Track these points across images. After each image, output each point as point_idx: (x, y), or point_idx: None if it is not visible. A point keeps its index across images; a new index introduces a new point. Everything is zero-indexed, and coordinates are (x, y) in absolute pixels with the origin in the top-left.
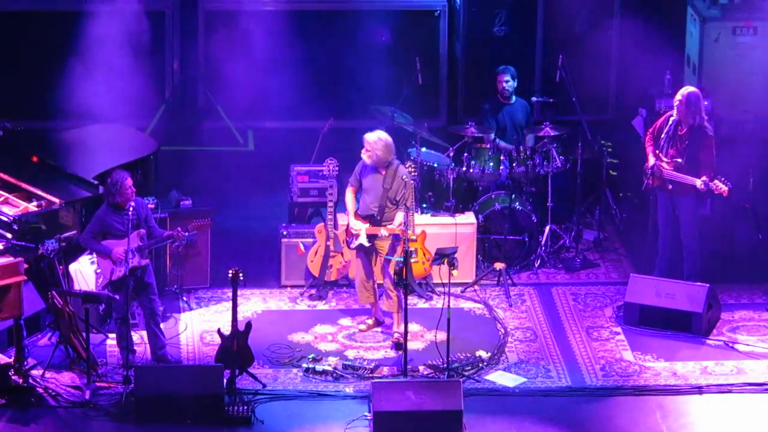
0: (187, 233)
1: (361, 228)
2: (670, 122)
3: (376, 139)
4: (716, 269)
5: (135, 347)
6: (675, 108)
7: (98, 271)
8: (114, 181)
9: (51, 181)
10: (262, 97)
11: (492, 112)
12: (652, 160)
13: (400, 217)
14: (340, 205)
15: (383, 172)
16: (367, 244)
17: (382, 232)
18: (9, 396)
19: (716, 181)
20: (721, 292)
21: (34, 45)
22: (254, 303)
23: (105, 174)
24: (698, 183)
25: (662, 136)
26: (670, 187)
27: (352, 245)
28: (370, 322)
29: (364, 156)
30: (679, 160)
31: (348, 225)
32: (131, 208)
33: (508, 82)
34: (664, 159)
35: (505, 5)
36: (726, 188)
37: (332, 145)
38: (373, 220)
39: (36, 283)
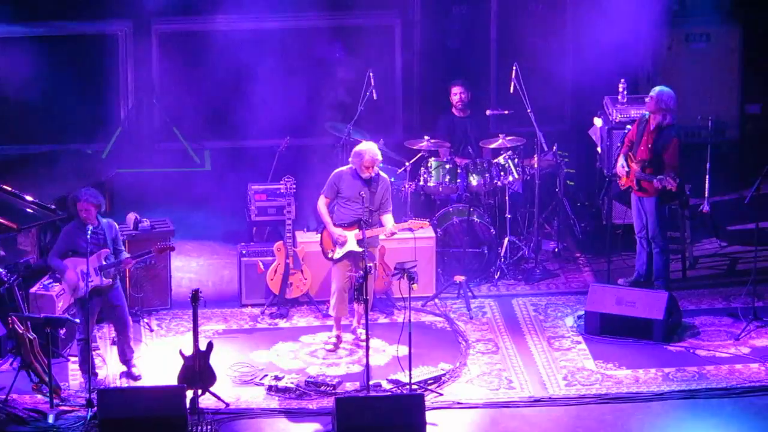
0: (134, 260)
1: (348, 235)
2: (641, 120)
3: (373, 149)
4: (676, 275)
5: (97, 370)
6: (646, 104)
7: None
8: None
9: (8, 207)
10: (217, 117)
11: (447, 125)
12: (621, 161)
13: (390, 218)
14: (297, 223)
15: (369, 178)
16: (359, 250)
17: (385, 232)
18: None
19: (668, 178)
20: (681, 297)
21: None
22: (215, 322)
23: (64, 198)
24: (654, 182)
25: (636, 138)
26: (638, 188)
27: (337, 254)
28: (334, 339)
29: (365, 171)
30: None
31: (327, 236)
32: (90, 229)
33: (462, 94)
34: (634, 160)
35: (459, 18)
36: (675, 183)
37: (289, 163)
38: (361, 225)
39: None
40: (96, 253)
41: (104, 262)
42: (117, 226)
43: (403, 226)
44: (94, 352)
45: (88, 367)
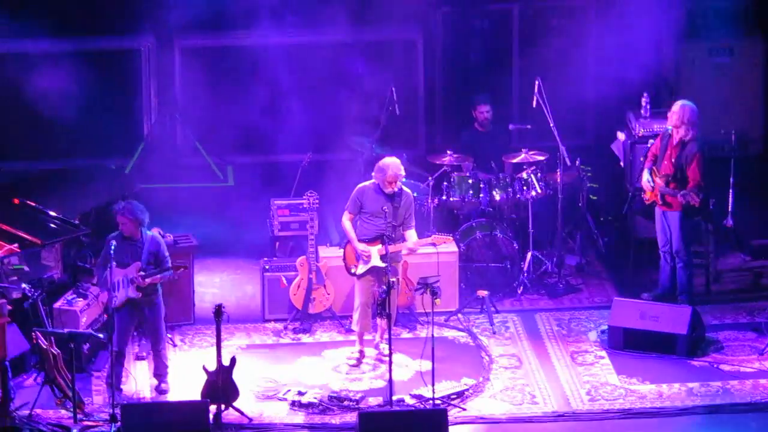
0: (148, 278)
1: (371, 250)
2: (664, 135)
3: (396, 165)
4: (699, 289)
5: (122, 385)
6: (668, 118)
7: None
8: (112, 212)
9: (32, 222)
10: (240, 132)
11: (470, 140)
12: (646, 176)
13: (413, 234)
14: (320, 238)
15: (392, 193)
16: (383, 265)
17: (408, 247)
18: None
19: (692, 193)
20: (704, 312)
21: (12, 86)
22: (238, 338)
23: (87, 214)
24: (678, 197)
25: (659, 153)
26: (662, 202)
27: (360, 269)
28: (357, 354)
29: (388, 187)
30: (668, 174)
31: (350, 251)
32: (112, 245)
33: (488, 112)
34: (657, 174)
35: (480, 33)
36: (698, 198)
37: (312, 178)
38: (384, 240)
39: (20, 324)
40: (131, 265)
41: (134, 275)
42: (161, 240)
43: (426, 241)
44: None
45: (111, 381)
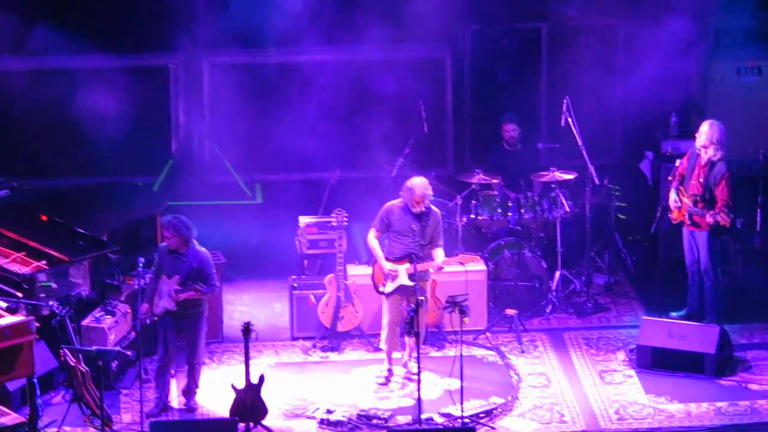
0: (182, 293)
1: (399, 269)
2: (692, 154)
3: (425, 185)
4: (728, 309)
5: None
6: (696, 138)
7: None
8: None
9: (60, 239)
10: (269, 149)
11: (498, 159)
12: (673, 196)
13: (441, 253)
14: (348, 256)
15: (420, 212)
16: (411, 284)
17: (434, 266)
18: None
19: (722, 214)
20: (733, 332)
21: (40, 104)
22: (267, 356)
23: (116, 231)
24: (707, 217)
25: (687, 173)
26: (690, 222)
27: (388, 288)
28: (386, 373)
29: (415, 206)
30: (696, 195)
31: (378, 269)
32: (141, 263)
33: (514, 131)
34: (685, 194)
35: (509, 51)
36: (728, 219)
37: (340, 195)
38: (412, 259)
39: (48, 341)
40: (172, 278)
41: (173, 288)
42: (208, 257)
43: (453, 260)
44: (145, 384)
45: (160, 394)
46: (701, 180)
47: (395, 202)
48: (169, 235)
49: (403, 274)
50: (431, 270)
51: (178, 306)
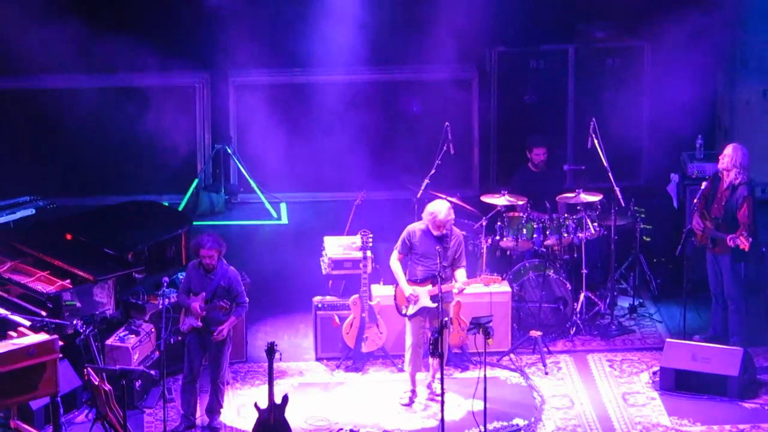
0: (203, 310)
1: (421, 291)
2: (714, 177)
3: (447, 210)
4: (751, 332)
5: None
6: (719, 161)
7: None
8: (193, 245)
9: (85, 258)
10: (294, 169)
11: (524, 180)
12: (696, 218)
13: (463, 274)
14: (373, 277)
15: (441, 235)
16: (433, 305)
17: (456, 287)
18: None
19: (741, 237)
20: (756, 354)
21: (66, 122)
22: (291, 376)
23: (141, 251)
24: (728, 240)
25: (709, 195)
26: (712, 245)
27: (411, 310)
28: (410, 394)
29: (437, 230)
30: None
31: (400, 292)
32: (164, 283)
33: (544, 155)
34: (708, 217)
35: (536, 72)
36: (747, 243)
37: (365, 216)
38: (434, 281)
39: (72, 360)
40: (199, 295)
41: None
42: (236, 274)
43: (475, 281)
44: (169, 404)
45: (186, 412)
46: (723, 203)
47: (417, 225)
48: (209, 251)
49: (425, 296)
50: (454, 291)
51: (203, 324)
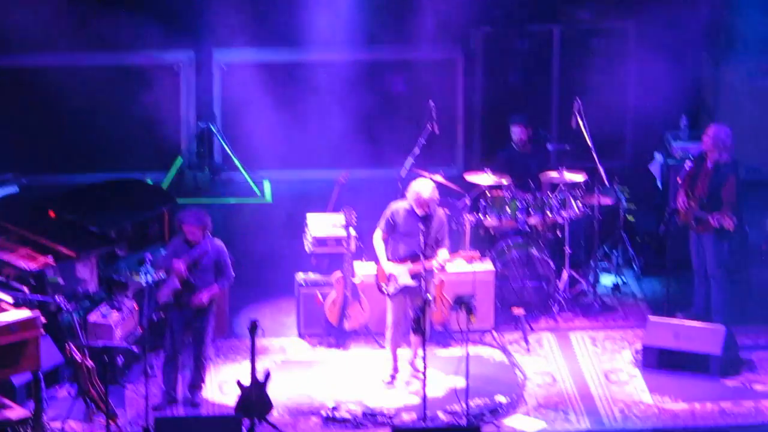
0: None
1: (400, 269)
2: (699, 157)
3: (431, 189)
4: (734, 310)
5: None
6: (702, 141)
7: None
8: (176, 220)
9: (68, 236)
10: (278, 147)
11: (507, 159)
12: (681, 197)
13: (445, 252)
14: (356, 254)
15: (425, 214)
16: (413, 284)
17: (436, 263)
18: None
19: (726, 217)
20: (739, 332)
21: (49, 100)
22: (273, 353)
23: (124, 227)
24: (711, 220)
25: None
26: (696, 224)
27: (391, 288)
28: (391, 371)
29: (420, 209)
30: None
31: (381, 270)
32: (149, 259)
33: (522, 134)
34: (691, 197)
35: (520, 53)
36: (732, 222)
37: (349, 194)
38: (416, 259)
39: (54, 336)
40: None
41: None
42: (223, 247)
43: (455, 256)
44: (150, 379)
45: (167, 388)
46: (707, 183)
47: (400, 203)
48: (191, 227)
49: (405, 274)
50: (435, 268)
51: (185, 289)
